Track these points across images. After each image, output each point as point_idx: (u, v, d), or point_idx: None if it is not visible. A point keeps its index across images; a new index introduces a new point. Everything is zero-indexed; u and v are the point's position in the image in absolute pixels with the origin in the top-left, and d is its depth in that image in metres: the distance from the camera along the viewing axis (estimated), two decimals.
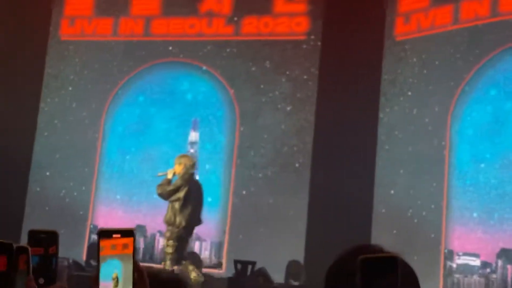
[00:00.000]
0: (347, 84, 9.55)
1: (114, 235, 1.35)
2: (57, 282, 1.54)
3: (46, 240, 1.48)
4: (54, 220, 10.50)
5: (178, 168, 8.01)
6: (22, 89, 10.94)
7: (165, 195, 7.96)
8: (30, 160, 11.24)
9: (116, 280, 1.34)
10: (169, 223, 7.85)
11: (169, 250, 7.89)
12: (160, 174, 8.19)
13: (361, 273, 1.01)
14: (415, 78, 9.65)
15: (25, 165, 11.13)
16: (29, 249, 1.26)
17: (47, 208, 10.89)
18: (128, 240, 1.35)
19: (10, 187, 10.56)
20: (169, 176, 8.00)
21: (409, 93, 9.69)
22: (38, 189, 11.17)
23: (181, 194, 7.85)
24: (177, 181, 7.89)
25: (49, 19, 11.57)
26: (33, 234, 1.47)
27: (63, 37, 11.61)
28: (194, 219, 8.05)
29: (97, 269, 1.35)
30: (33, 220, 10.69)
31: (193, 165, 8.06)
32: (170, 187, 7.83)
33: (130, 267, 1.34)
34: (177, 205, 7.85)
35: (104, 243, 1.34)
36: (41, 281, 1.43)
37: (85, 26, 11.51)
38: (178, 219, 7.83)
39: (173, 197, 7.89)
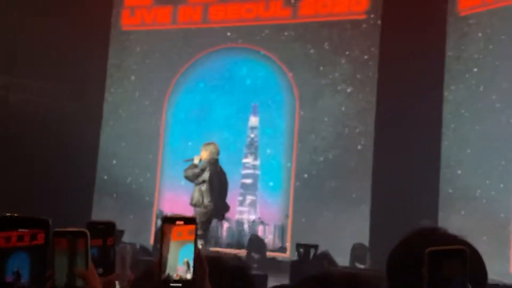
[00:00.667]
0: (409, 62, 9.30)
1: (177, 222, 1.37)
2: (117, 270, 1.56)
3: (104, 231, 1.50)
4: (122, 207, 10.81)
5: (204, 154, 8.13)
6: (87, 80, 11.24)
7: (191, 177, 8.13)
8: (97, 149, 11.58)
9: (187, 265, 1.36)
10: (197, 204, 8.03)
11: (199, 232, 7.90)
12: (186, 160, 8.37)
13: (428, 265, 0.98)
14: (480, 54, 9.30)
15: (93, 154, 11.47)
16: (88, 233, 1.28)
17: (114, 195, 11.20)
18: (190, 227, 1.37)
19: (79, 175, 10.90)
20: (196, 161, 8.14)
21: (475, 70, 9.36)
22: (105, 177, 11.49)
23: (206, 176, 7.99)
24: (203, 165, 8.05)
25: (110, 10, 11.81)
26: (91, 226, 1.50)
27: (124, 27, 11.83)
28: (222, 203, 8.16)
29: (160, 254, 1.36)
30: (102, 207, 11.03)
31: (217, 152, 8.20)
32: (196, 169, 8.03)
33: (191, 253, 1.36)
34: (203, 187, 8.00)
35: (168, 229, 1.36)
36: (100, 271, 1.46)
37: (145, 16, 11.68)
38: (206, 200, 7.98)
39: (199, 179, 8.03)
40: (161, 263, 1.35)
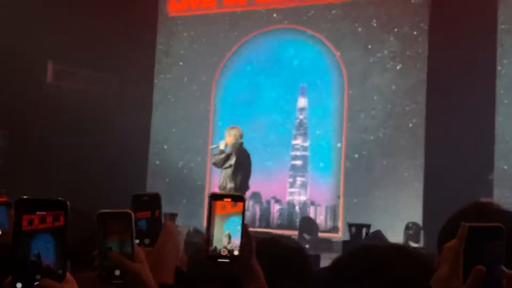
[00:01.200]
0: (460, 37, 9.07)
1: (225, 199, 1.40)
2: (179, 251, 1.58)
3: (151, 203, 1.53)
4: (174, 191, 10.97)
5: (229, 139, 8.40)
6: (136, 67, 11.40)
7: (218, 164, 8.43)
8: (148, 135, 11.77)
9: (229, 237, 1.39)
10: (221, 188, 8.32)
11: None
12: (213, 147, 8.71)
13: (466, 241, 0.97)
14: None
15: (144, 140, 11.67)
16: (132, 213, 1.31)
17: (167, 179, 11.38)
18: (238, 204, 1.40)
19: (132, 161, 11.12)
20: (221, 147, 8.41)
21: None
22: (157, 162, 11.68)
23: (232, 161, 8.27)
24: (228, 150, 8.35)
25: None
26: (137, 198, 1.52)
27: (171, 13, 11.92)
28: (244, 186, 8.44)
29: (207, 229, 1.39)
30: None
31: (241, 135, 8.45)
32: (222, 156, 8.32)
33: (235, 225, 1.39)
34: (229, 171, 8.30)
35: (214, 205, 1.39)
36: (147, 241, 1.49)
37: (191, 1, 11.74)
38: (229, 185, 8.26)
39: (226, 165, 8.31)
40: (209, 238, 1.38)
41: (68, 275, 1.04)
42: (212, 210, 1.40)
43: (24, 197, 1.04)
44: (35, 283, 1.01)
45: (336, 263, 1.35)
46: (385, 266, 1.27)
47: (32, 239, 1.02)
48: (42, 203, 1.03)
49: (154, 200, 1.54)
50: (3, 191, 1.74)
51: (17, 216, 1.03)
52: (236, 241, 1.40)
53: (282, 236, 1.90)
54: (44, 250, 1.02)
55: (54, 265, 1.02)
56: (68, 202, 1.04)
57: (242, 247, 1.39)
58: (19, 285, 1.01)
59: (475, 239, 0.97)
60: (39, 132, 10.78)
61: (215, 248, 1.39)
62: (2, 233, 1.70)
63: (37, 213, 1.02)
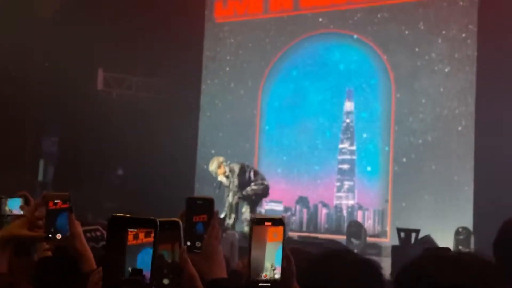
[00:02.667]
0: (509, 38, 8.90)
1: (265, 223, 1.42)
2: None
3: (207, 206, 1.56)
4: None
5: (220, 171, 9.52)
6: (184, 73, 11.57)
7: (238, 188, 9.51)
8: (196, 139, 11.92)
9: (270, 261, 1.42)
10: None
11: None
12: (218, 188, 9.69)
13: None
14: None
15: (192, 145, 11.83)
16: (180, 222, 1.36)
17: (214, 184, 11.48)
18: (278, 229, 1.42)
19: (181, 166, 11.28)
20: (219, 179, 9.60)
21: None
22: (205, 166, 11.79)
23: (234, 183, 9.42)
24: (220, 182, 9.54)
25: (203, 3, 12.08)
26: (192, 202, 1.55)
27: (218, 19, 12.06)
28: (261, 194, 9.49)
29: (249, 254, 1.41)
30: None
31: (222, 162, 9.53)
32: (236, 183, 9.37)
33: (278, 255, 1.41)
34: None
35: (256, 230, 1.41)
36: (198, 244, 1.52)
37: (237, 7, 11.85)
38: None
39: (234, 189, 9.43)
40: (250, 263, 1.41)
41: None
42: (253, 235, 1.42)
43: (116, 214, 1.07)
44: None
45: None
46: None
47: (137, 253, 1.04)
48: (134, 221, 1.06)
49: (210, 204, 1.57)
50: (67, 195, 1.79)
51: (119, 231, 1.04)
52: (277, 265, 1.41)
53: (349, 252, 1.82)
54: (144, 265, 1.04)
55: (146, 283, 1.04)
56: (157, 220, 1.07)
57: (283, 271, 1.41)
58: None
59: None
60: (90, 139, 11.05)
61: (257, 272, 1.41)
62: (61, 237, 1.75)
63: (136, 229, 1.04)
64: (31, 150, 11.07)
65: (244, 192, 9.27)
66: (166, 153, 11.01)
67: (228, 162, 9.61)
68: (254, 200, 9.36)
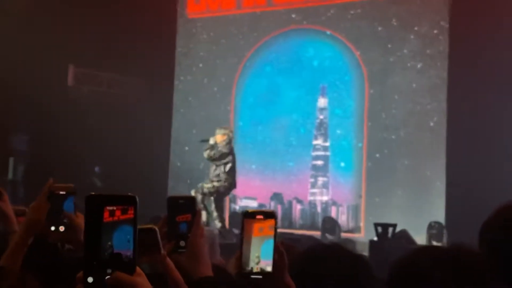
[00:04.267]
0: (482, 34, 9.00)
1: (257, 216, 1.41)
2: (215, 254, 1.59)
3: (189, 205, 1.53)
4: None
5: (219, 138, 9.12)
6: (156, 69, 11.47)
7: (207, 158, 9.25)
8: (169, 137, 11.83)
9: (262, 253, 1.42)
10: (211, 180, 9.16)
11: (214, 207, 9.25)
12: (202, 140, 9.44)
13: None
14: None
15: (166, 142, 11.74)
16: (157, 230, 1.33)
17: (188, 181, 11.42)
18: (270, 222, 1.42)
19: (154, 163, 11.19)
20: (211, 142, 9.14)
21: None
22: (179, 163, 11.74)
23: (228, 159, 9.06)
24: (217, 148, 9.07)
25: None
26: (174, 201, 1.52)
27: (190, 15, 11.97)
28: (235, 184, 9.29)
29: (240, 248, 1.40)
30: (177, 193, 11.28)
31: (231, 136, 9.20)
32: (212, 152, 9.09)
33: (270, 248, 1.40)
34: (222, 168, 9.10)
35: (248, 224, 1.40)
36: (182, 243, 1.50)
37: (210, 2, 11.79)
38: (215, 179, 9.10)
39: (220, 162, 9.11)
40: (242, 256, 1.40)
41: (137, 268, 1.03)
42: (245, 229, 1.41)
43: (93, 193, 1.04)
44: (106, 277, 1.00)
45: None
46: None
47: (113, 230, 1.02)
48: (112, 199, 1.04)
49: (192, 203, 1.55)
50: (70, 186, 1.76)
51: (95, 208, 1.02)
52: (269, 258, 1.41)
53: (338, 246, 1.82)
54: (124, 242, 1.01)
55: (128, 259, 1.02)
56: (137, 197, 1.04)
57: (274, 263, 1.40)
58: (90, 279, 1.00)
59: None
60: (61, 136, 10.89)
61: (248, 264, 1.40)
62: (66, 229, 1.72)
63: (114, 206, 1.02)
64: (0, 148, 10.87)
65: (205, 189, 9.22)
66: (139, 150, 10.91)
67: (232, 142, 9.33)
68: (216, 198, 9.26)
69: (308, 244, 1.74)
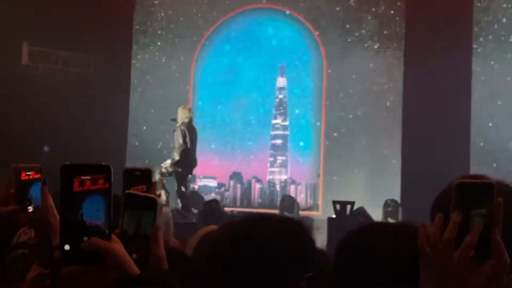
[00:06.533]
0: (437, 15, 9.16)
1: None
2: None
3: (144, 177, 1.53)
4: (154, 172, 10.97)
5: (178, 117, 9.35)
6: (114, 47, 11.29)
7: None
8: (127, 116, 11.70)
9: None
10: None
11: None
12: (172, 119, 9.54)
13: (456, 198, 0.99)
14: (509, 3, 9.11)
15: (123, 121, 11.61)
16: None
17: (146, 161, 11.35)
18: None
19: (111, 143, 11.06)
20: (179, 120, 9.28)
21: (504, 20, 9.19)
22: (136, 143, 11.65)
23: (180, 138, 9.23)
24: (177, 126, 9.27)
25: None
26: (130, 173, 1.52)
27: None
28: (191, 159, 9.36)
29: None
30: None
31: (188, 115, 9.32)
32: (180, 138, 9.23)
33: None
34: (176, 144, 9.26)
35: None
36: None
37: None
38: (176, 156, 9.20)
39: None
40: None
41: (113, 235, 1.05)
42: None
43: (68, 163, 1.06)
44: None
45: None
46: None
47: (83, 200, 1.03)
48: (86, 168, 1.05)
49: (148, 175, 1.56)
50: (38, 166, 1.73)
51: (67, 178, 1.04)
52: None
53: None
54: (93, 211, 1.03)
55: (102, 226, 1.04)
56: (111, 166, 1.06)
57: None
58: (67, 246, 1.03)
59: (466, 196, 0.98)
60: (16, 115, 10.66)
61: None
62: (33, 210, 1.70)
63: (86, 176, 1.04)
64: None
65: (163, 169, 9.21)
66: (96, 130, 10.77)
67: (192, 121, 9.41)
68: (176, 177, 9.27)
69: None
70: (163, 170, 9.25)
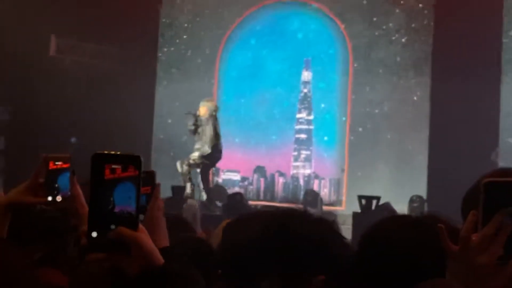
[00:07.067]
0: (466, 8, 9.00)
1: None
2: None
3: (149, 179, 1.55)
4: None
5: (202, 110, 9.26)
6: (140, 40, 11.33)
7: (190, 131, 9.49)
8: (152, 109, 11.75)
9: None
10: (196, 150, 9.32)
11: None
12: (187, 113, 9.59)
13: (485, 197, 0.97)
14: None
15: (148, 114, 11.65)
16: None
17: (171, 153, 11.39)
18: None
19: (137, 135, 11.12)
20: (205, 113, 9.26)
21: None
22: (161, 136, 11.68)
23: (210, 130, 9.18)
24: (201, 121, 9.27)
25: None
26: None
27: None
28: (215, 153, 9.35)
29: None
30: (160, 165, 11.23)
31: (215, 108, 9.32)
32: (193, 126, 9.32)
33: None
34: (200, 139, 9.29)
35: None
36: (141, 217, 1.50)
37: None
38: (197, 151, 9.27)
39: (198, 131, 9.33)
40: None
41: (140, 225, 1.06)
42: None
43: (99, 151, 1.07)
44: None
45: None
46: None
47: (114, 187, 1.04)
48: (117, 157, 1.06)
49: (152, 177, 1.56)
50: (68, 156, 1.74)
51: (98, 166, 1.05)
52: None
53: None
54: (125, 198, 1.04)
55: (130, 214, 1.04)
56: (141, 156, 1.07)
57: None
58: (94, 234, 1.04)
59: (494, 195, 0.96)
60: (43, 107, 10.78)
61: None
62: (62, 199, 1.72)
63: (117, 165, 1.05)
64: None
65: (191, 161, 9.23)
66: (122, 122, 10.83)
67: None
68: (202, 169, 9.29)
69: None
70: (191, 161, 9.26)
